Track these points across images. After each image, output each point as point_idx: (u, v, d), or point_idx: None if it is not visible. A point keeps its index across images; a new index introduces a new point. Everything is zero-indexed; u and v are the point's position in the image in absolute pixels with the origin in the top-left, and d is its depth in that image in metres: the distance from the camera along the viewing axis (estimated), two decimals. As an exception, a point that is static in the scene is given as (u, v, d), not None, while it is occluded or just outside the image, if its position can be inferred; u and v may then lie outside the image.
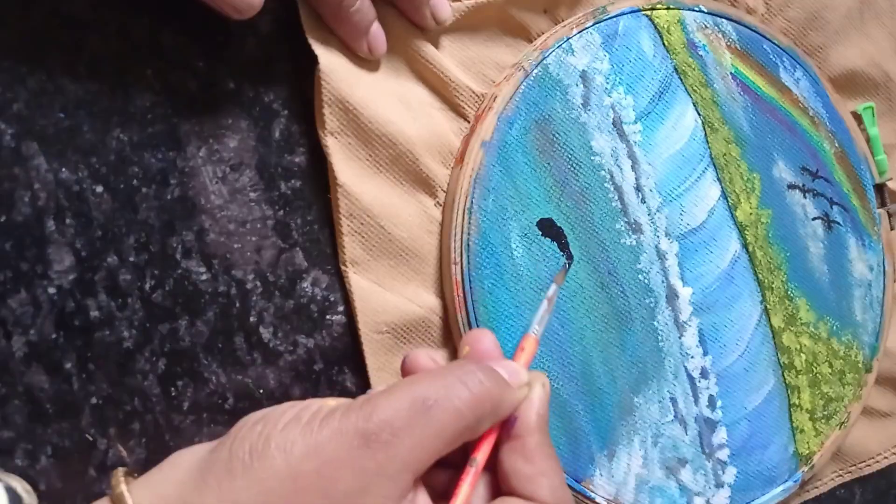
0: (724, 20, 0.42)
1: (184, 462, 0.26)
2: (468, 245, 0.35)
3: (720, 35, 0.42)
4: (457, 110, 0.37)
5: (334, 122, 0.33)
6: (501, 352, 0.31)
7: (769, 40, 0.43)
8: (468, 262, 0.35)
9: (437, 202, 0.37)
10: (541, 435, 0.29)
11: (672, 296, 0.39)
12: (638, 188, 0.39)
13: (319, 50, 0.33)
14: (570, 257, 0.37)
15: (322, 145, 0.34)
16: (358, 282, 0.35)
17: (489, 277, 0.35)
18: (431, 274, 0.36)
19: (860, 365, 0.44)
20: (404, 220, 0.35)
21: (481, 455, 0.28)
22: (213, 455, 0.26)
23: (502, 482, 0.29)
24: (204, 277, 0.33)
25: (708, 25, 0.41)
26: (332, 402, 0.27)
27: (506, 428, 0.29)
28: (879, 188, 0.46)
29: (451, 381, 0.27)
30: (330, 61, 0.33)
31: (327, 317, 0.35)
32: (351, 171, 0.34)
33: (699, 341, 0.40)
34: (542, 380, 0.30)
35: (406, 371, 0.31)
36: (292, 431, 0.25)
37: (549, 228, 0.37)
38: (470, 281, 0.35)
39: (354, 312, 0.34)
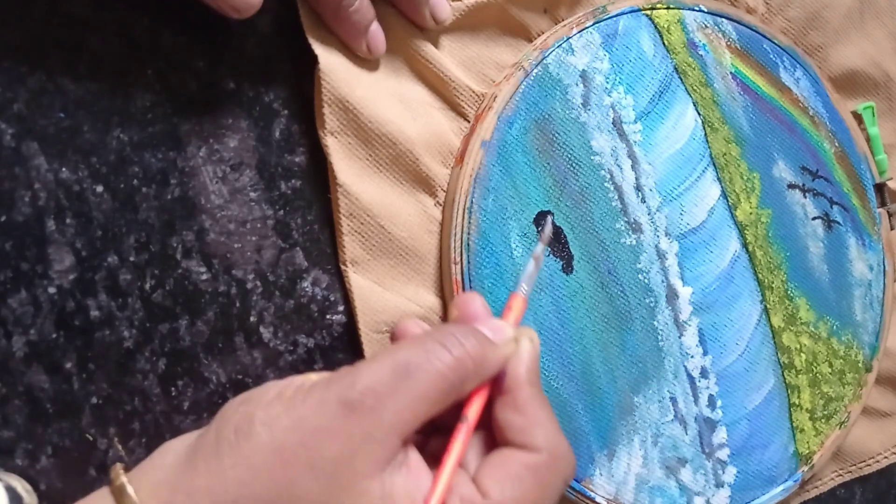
0: (724, 20, 0.42)
1: (173, 449, 0.26)
2: (468, 245, 0.35)
3: (720, 35, 0.42)
4: (457, 110, 0.37)
5: (334, 122, 0.33)
6: (490, 312, 0.31)
7: (769, 40, 0.43)
8: (468, 262, 0.35)
9: (437, 202, 0.37)
10: (531, 387, 0.29)
11: (672, 295, 0.39)
12: (638, 188, 0.39)
13: (319, 50, 0.33)
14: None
15: (322, 145, 0.34)
16: (358, 281, 0.35)
17: (489, 277, 0.35)
18: (431, 274, 0.36)
19: (860, 364, 0.44)
20: (404, 219, 0.35)
21: (472, 411, 0.28)
22: (200, 439, 0.26)
23: (498, 437, 0.29)
24: (204, 277, 0.33)
25: (708, 25, 0.41)
26: (314, 376, 0.27)
27: (497, 384, 0.29)
28: (879, 188, 0.46)
29: (432, 345, 0.27)
30: (330, 61, 0.33)
31: (327, 317, 0.35)
32: (351, 171, 0.34)
33: (699, 341, 0.40)
34: (530, 334, 0.30)
35: (394, 339, 0.31)
36: (275, 407, 0.25)
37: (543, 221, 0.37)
38: (470, 281, 0.35)
39: (354, 312, 0.34)
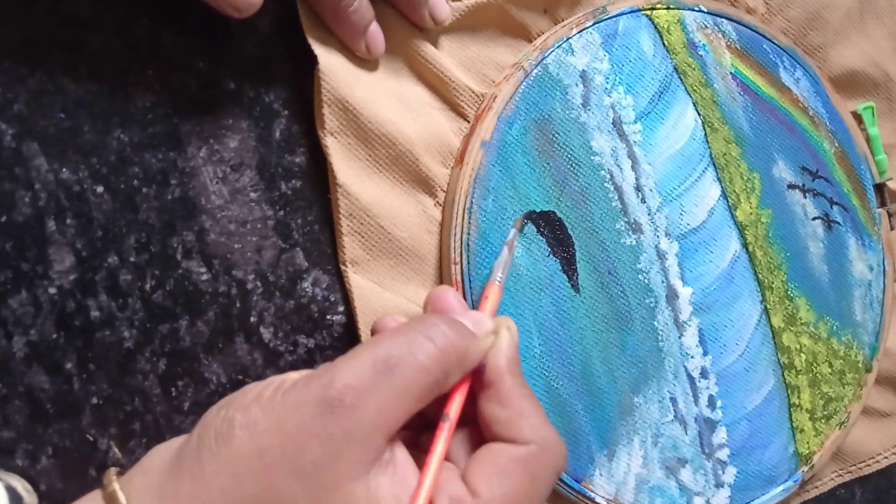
0: (724, 20, 0.42)
1: (160, 456, 0.26)
2: (468, 245, 0.35)
3: (720, 35, 0.42)
4: (456, 110, 0.37)
5: (334, 122, 0.33)
6: (466, 305, 0.30)
7: (769, 40, 0.43)
8: (468, 262, 0.35)
9: (437, 202, 0.37)
10: (513, 378, 0.28)
11: (672, 296, 0.39)
12: (638, 188, 0.39)
13: (319, 50, 0.33)
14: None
15: (322, 145, 0.34)
16: (358, 282, 0.35)
17: (489, 278, 0.35)
18: (431, 274, 0.36)
19: (860, 365, 0.44)
20: (404, 219, 0.35)
21: (454, 409, 0.28)
22: (184, 445, 0.26)
23: (485, 432, 0.28)
24: (204, 277, 0.33)
25: (708, 25, 0.41)
26: (293, 375, 0.26)
27: (478, 378, 0.28)
28: (879, 188, 0.46)
29: (414, 337, 0.26)
30: (329, 61, 0.33)
31: (327, 317, 0.35)
32: (351, 171, 0.34)
33: (699, 341, 0.40)
34: (508, 323, 0.29)
35: (374, 335, 0.30)
36: (254, 410, 0.25)
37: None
38: (470, 281, 0.35)
39: (354, 312, 0.34)
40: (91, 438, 0.31)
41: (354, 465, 0.24)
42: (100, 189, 0.32)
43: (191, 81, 0.33)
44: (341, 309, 0.35)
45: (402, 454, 0.26)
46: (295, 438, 0.24)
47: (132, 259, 0.32)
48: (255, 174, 0.34)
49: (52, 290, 0.31)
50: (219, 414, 0.25)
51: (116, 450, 0.32)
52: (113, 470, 0.26)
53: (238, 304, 0.34)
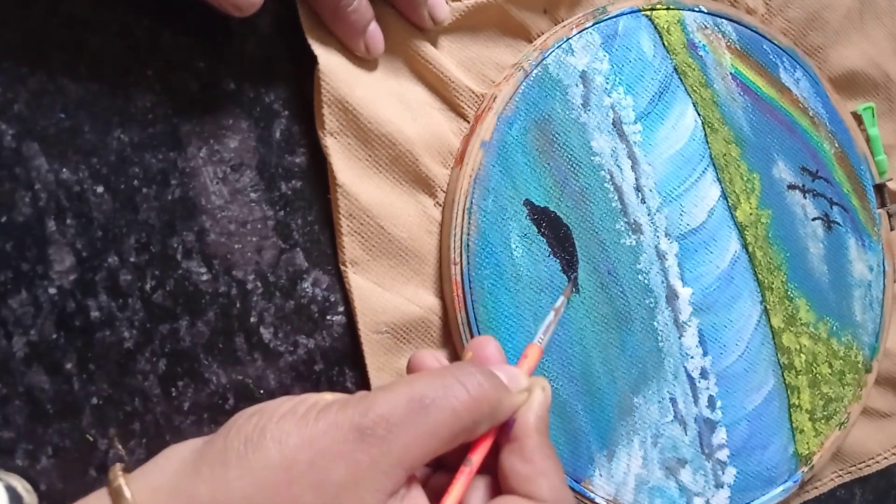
0: (724, 20, 0.42)
1: (178, 454, 0.26)
2: (468, 245, 0.35)
3: (720, 35, 0.42)
4: (456, 110, 0.37)
5: (334, 123, 0.33)
6: (504, 357, 0.31)
7: (769, 40, 0.43)
8: (468, 263, 0.35)
9: (437, 202, 0.37)
10: (539, 436, 0.29)
11: (672, 296, 0.39)
12: (638, 188, 0.39)
13: (319, 50, 0.33)
14: (570, 260, 0.37)
15: (322, 145, 0.34)
16: (358, 282, 0.35)
17: (489, 277, 0.35)
18: (431, 274, 0.36)
19: (860, 365, 0.44)
20: (404, 220, 0.35)
21: (477, 456, 0.28)
22: (207, 446, 0.26)
23: (502, 483, 0.29)
24: (204, 278, 0.33)
25: (708, 26, 0.41)
26: (329, 396, 0.27)
27: (505, 430, 0.29)
28: (879, 188, 0.46)
29: (450, 382, 0.27)
30: (329, 61, 0.33)
31: (327, 317, 0.35)
32: (350, 171, 0.34)
33: (699, 341, 0.40)
34: (543, 383, 0.30)
35: (411, 371, 0.31)
36: (288, 423, 0.25)
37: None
38: (470, 281, 0.35)
39: (354, 313, 0.34)
40: (91, 438, 0.31)
41: (374, 493, 0.25)
42: (100, 189, 0.32)
43: (191, 81, 0.33)
44: (341, 309, 0.35)
45: (417, 492, 0.27)
46: (323, 458, 0.25)
47: (132, 259, 0.32)
48: (255, 174, 0.34)
49: (52, 290, 0.31)
50: (250, 420, 0.26)
51: (120, 446, 0.32)
52: (119, 465, 0.26)
53: (238, 305, 0.34)
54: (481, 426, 0.28)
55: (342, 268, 0.35)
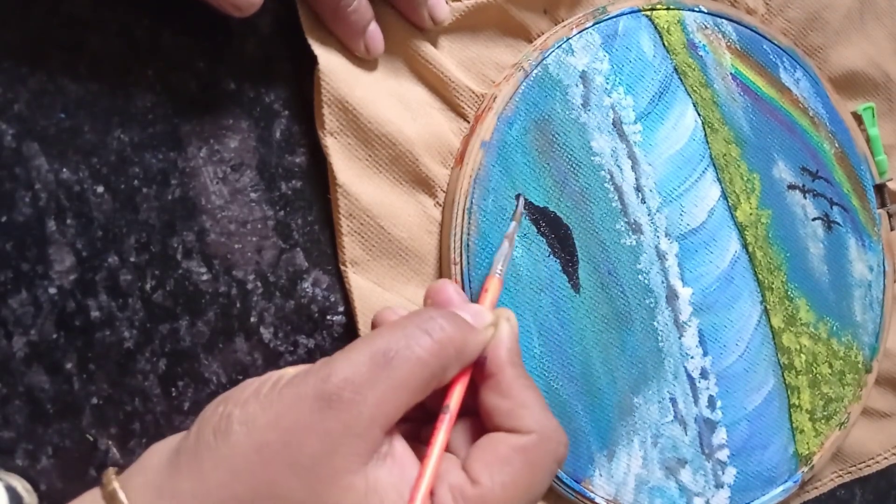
0: (724, 20, 0.42)
1: (157, 452, 0.26)
2: (468, 245, 0.35)
3: (720, 35, 0.42)
4: (456, 110, 0.37)
5: (334, 122, 0.33)
6: (465, 297, 0.30)
7: (769, 41, 0.43)
8: (468, 262, 0.35)
9: (437, 202, 0.37)
10: (514, 368, 0.28)
11: (672, 296, 0.39)
12: (638, 188, 0.39)
13: (319, 50, 0.33)
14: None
15: (322, 145, 0.34)
16: (358, 282, 0.35)
17: (489, 270, 0.35)
18: (431, 274, 0.36)
19: (860, 365, 0.44)
20: (404, 220, 0.35)
21: (454, 401, 0.28)
22: (182, 441, 0.26)
23: (486, 422, 0.28)
24: (204, 278, 0.33)
25: (708, 26, 0.41)
26: (291, 370, 0.26)
27: (479, 369, 0.28)
28: (879, 188, 0.46)
29: (411, 331, 0.26)
30: (329, 61, 0.33)
31: (328, 317, 0.35)
32: (351, 171, 0.34)
33: (699, 342, 0.40)
34: (507, 314, 0.29)
35: (374, 328, 0.30)
36: (252, 405, 0.25)
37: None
38: (470, 281, 0.35)
39: (354, 313, 0.34)
40: (91, 438, 0.31)
41: (352, 458, 0.24)
42: (100, 189, 0.32)
43: (191, 81, 0.33)
44: (341, 309, 0.35)
45: (400, 446, 0.26)
46: (293, 433, 0.24)
47: (132, 259, 0.32)
48: (255, 174, 0.34)
49: (53, 290, 0.31)
50: (216, 410, 0.26)
51: (115, 449, 0.32)
52: (112, 469, 0.26)
53: (238, 305, 0.34)
54: (450, 370, 0.27)
55: (342, 268, 0.35)
